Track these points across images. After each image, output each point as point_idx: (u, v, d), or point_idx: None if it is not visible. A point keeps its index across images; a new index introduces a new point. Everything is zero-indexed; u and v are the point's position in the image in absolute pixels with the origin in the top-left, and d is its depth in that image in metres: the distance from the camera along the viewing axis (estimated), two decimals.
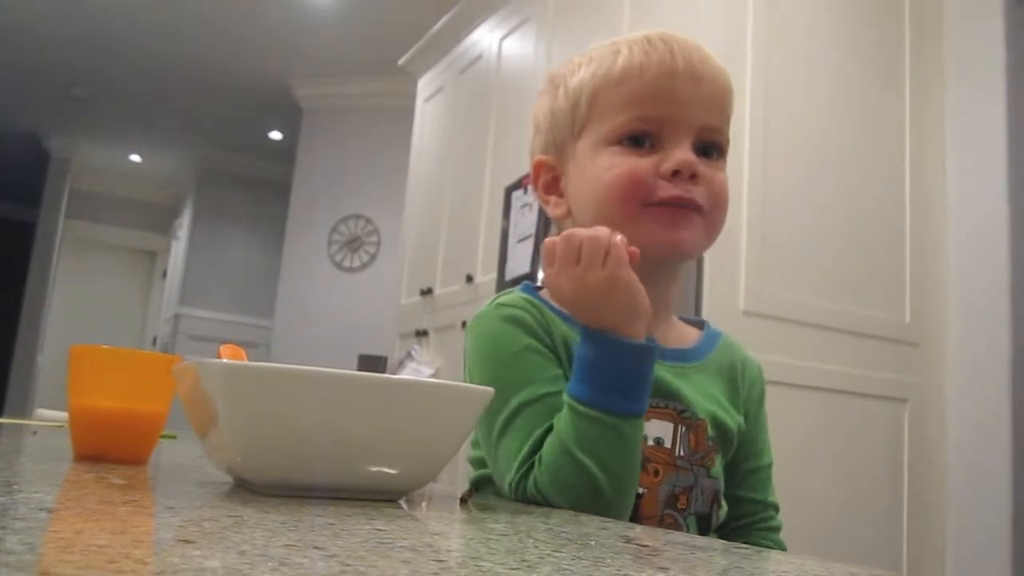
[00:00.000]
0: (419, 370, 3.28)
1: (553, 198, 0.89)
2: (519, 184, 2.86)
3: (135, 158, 7.83)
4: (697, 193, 0.80)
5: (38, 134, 7.26)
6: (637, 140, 0.81)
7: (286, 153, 6.43)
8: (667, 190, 0.80)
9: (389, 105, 5.31)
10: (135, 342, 8.42)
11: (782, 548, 0.90)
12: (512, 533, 0.47)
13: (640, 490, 0.76)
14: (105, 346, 0.73)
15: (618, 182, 0.80)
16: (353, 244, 5.49)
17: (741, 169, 2.08)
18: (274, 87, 5.84)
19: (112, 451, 0.71)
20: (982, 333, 2.27)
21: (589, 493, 0.70)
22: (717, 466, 0.82)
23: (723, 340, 0.91)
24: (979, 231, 2.32)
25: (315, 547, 0.36)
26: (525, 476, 0.73)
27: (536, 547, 0.42)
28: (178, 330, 6.94)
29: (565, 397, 0.73)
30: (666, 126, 0.81)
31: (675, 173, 0.80)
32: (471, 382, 0.80)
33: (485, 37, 3.42)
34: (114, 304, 8.69)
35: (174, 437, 1.17)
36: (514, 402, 0.76)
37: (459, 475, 2.34)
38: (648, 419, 0.76)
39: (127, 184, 8.42)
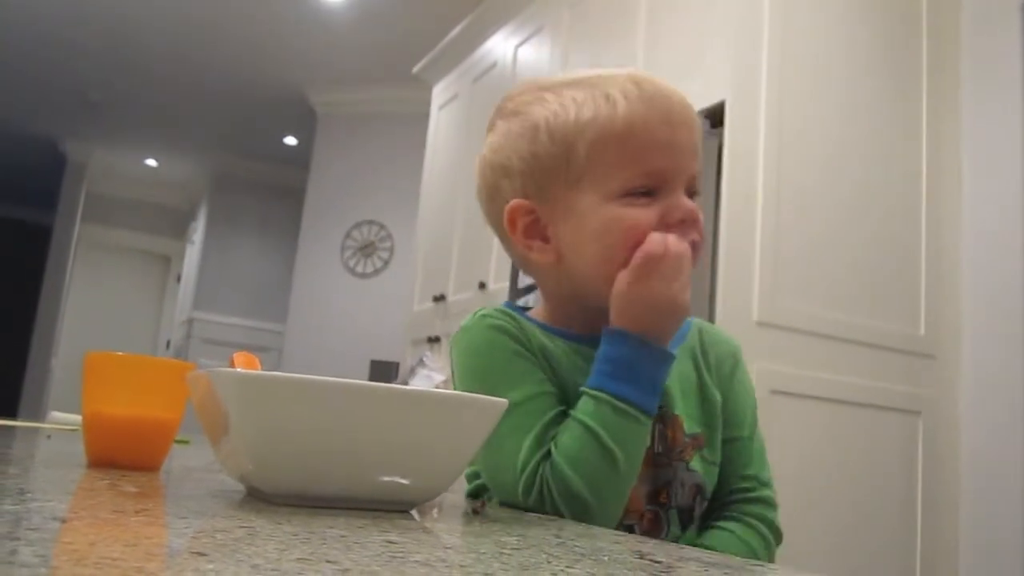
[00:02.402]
0: (430, 376, 3.28)
1: (536, 243, 0.86)
2: None
3: (151, 162, 7.88)
4: (696, 235, 0.84)
5: (55, 138, 7.32)
6: (640, 192, 0.82)
7: (301, 159, 6.46)
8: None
9: (404, 112, 5.33)
10: (149, 346, 8.47)
11: (768, 523, 0.86)
12: (525, 547, 0.47)
13: None
14: (119, 353, 0.74)
15: (627, 236, 0.80)
16: (366, 250, 5.50)
17: (755, 180, 2.08)
18: (289, 93, 5.87)
19: (125, 458, 0.72)
20: (997, 345, 2.25)
21: (607, 479, 0.75)
22: (695, 460, 0.85)
23: (693, 325, 0.93)
24: (995, 243, 2.30)
25: (328, 561, 0.36)
26: (538, 465, 0.76)
27: (549, 562, 0.42)
28: (192, 334, 6.98)
29: (597, 393, 0.77)
30: (667, 177, 0.82)
31: (681, 221, 0.82)
32: (462, 390, 0.82)
33: (500, 45, 3.43)
34: (128, 308, 8.74)
35: (187, 442, 1.17)
36: (509, 401, 0.78)
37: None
38: None
39: (143, 188, 8.47)
